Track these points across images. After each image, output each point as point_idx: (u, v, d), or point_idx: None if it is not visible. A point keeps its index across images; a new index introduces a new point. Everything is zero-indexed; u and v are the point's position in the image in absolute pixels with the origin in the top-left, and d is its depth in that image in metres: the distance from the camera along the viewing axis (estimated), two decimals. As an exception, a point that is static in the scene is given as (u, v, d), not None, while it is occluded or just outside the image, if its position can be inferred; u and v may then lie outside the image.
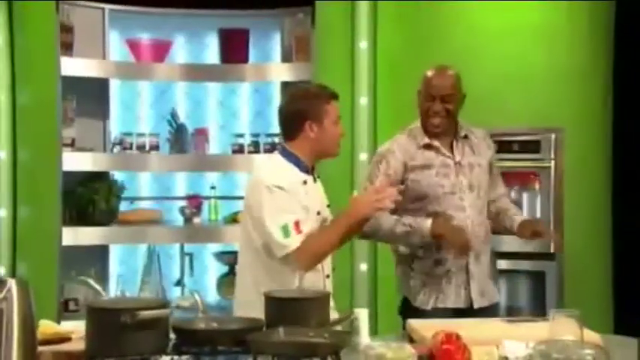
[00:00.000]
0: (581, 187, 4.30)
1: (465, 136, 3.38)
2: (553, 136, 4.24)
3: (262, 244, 2.97)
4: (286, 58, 4.94)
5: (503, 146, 4.16)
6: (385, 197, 2.86)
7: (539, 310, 4.14)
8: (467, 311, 3.28)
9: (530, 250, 4.26)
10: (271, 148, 4.79)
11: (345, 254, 4.52)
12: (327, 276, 3.10)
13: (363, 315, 2.68)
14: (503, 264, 4.31)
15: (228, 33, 4.93)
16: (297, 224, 2.92)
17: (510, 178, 4.13)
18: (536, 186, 4.33)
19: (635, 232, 4.38)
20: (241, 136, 4.92)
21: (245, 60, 4.94)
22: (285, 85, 4.99)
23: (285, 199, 2.93)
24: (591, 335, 2.52)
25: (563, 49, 4.29)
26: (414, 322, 2.87)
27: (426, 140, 3.35)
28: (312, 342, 2.34)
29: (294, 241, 2.90)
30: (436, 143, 3.35)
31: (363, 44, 4.52)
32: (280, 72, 4.81)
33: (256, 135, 4.90)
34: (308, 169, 3.07)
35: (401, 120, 4.51)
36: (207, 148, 4.93)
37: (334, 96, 3.07)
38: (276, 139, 4.84)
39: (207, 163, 4.88)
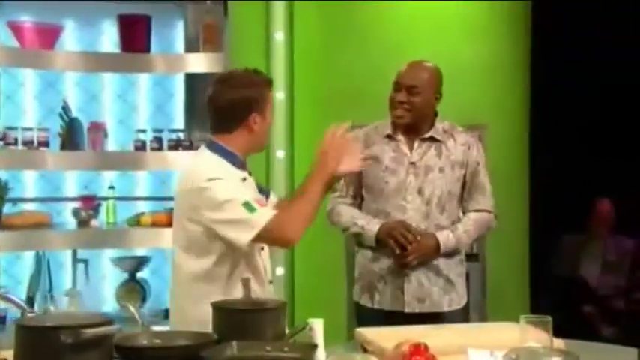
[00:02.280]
0: (501, 186, 4.24)
1: (433, 138, 3.18)
2: (477, 133, 4.14)
3: (211, 248, 2.66)
4: (190, 48, 4.61)
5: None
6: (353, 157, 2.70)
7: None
8: (397, 315, 3.13)
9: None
10: (176, 145, 4.47)
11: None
12: (270, 281, 2.83)
13: (317, 325, 2.45)
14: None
15: (128, 19, 4.55)
16: (257, 200, 2.64)
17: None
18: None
19: (550, 230, 4.42)
20: (143, 131, 4.55)
21: (146, 49, 4.57)
22: (189, 78, 4.67)
23: (232, 185, 2.63)
24: (556, 341, 2.41)
25: (486, 46, 4.25)
26: (365, 332, 2.66)
27: (389, 131, 3.20)
28: (279, 356, 2.09)
29: (266, 213, 2.58)
30: (399, 137, 3.19)
31: (278, 35, 4.28)
32: (190, 63, 4.47)
33: (159, 131, 4.55)
34: (244, 166, 2.79)
35: (319, 116, 4.35)
36: (106, 144, 4.53)
37: (271, 81, 2.82)
38: (181, 136, 4.52)
39: (106, 161, 4.47)
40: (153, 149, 4.46)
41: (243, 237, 2.57)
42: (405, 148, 3.18)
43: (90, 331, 1.91)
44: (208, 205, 2.60)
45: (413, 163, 3.16)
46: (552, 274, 5.47)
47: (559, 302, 5.10)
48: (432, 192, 3.14)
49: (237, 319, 2.27)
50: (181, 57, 4.54)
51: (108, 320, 2.00)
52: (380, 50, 4.21)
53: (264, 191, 2.91)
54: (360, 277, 3.29)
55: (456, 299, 3.26)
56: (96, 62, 4.50)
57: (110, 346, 1.99)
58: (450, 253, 3.20)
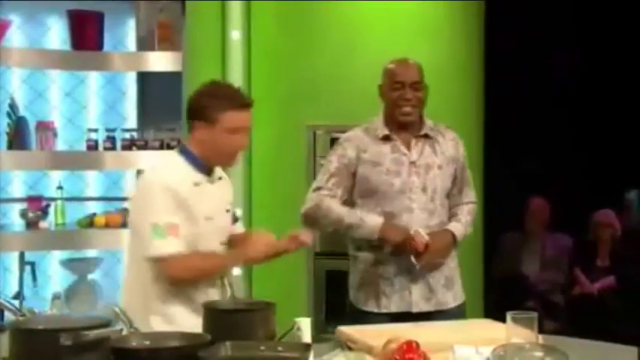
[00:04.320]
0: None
1: (426, 135, 3.15)
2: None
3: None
4: (143, 46, 4.54)
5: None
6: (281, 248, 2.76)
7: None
8: (406, 315, 3.06)
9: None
10: (130, 144, 4.39)
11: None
12: (227, 284, 2.79)
13: (305, 324, 2.45)
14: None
15: (79, 16, 4.44)
16: (173, 227, 2.61)
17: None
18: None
19: (503, 230, 4.53)
20: (94, 130, 4.45)
21: (98, 47, 4.48)
22: (142, 76, 4.59)
23: (162, 199, 2.62)
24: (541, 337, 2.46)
25: (442, 46, 4.30)
26: (347, 330, 2.67)
27: (385, 132, 3.12)
28: (278, 356, 2.09)
29: (168, 245, 2.59)
30: (394, 137, 3.12)
31: (235, 34, 4.24)
32: (147, 61, 4.39)
33: (112, 130, 4.45)
34: (206, 170, 2.75)
35: (277, 115, 4.34)
36: (55, 143, 4.41)
37: (243, 105, 2.72)
38: (135, 135, 4.44)
39: (58, 161, 4.36)
40: (106, 149, 4.36)
41: (140, 252, 2.63)
42: (403, 148, 3.12)
43: (91, 334, 1.86)
44: (132, 210, 2.77)
45: (413, 162, 3.11)
46: (495, 273, 5.60)
47: (503, 300, 5.21)
48: (434, 189, 3.11)
49: (229, 320, 2.25)
50: (138, 55, 4.47)
51: (106, 322, 1.96)
52: (337, 50, 4.22)
53: (231, 214, 2.89)
54: (362, 284, 3.17)
55: (458, 294, 3.24)
56: (48, 59, 4.38)
57: (108, 349, 1.95)
58: None
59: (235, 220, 2.97)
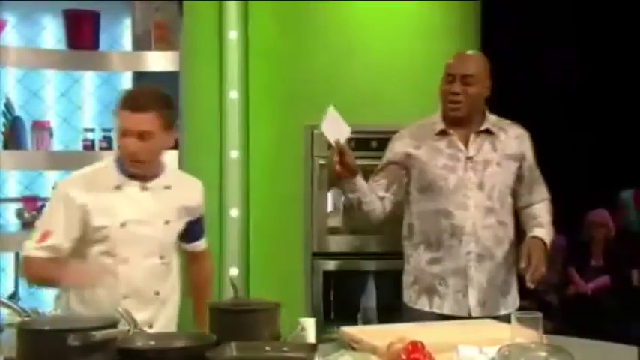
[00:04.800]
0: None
1: (488, 131, 3.06)
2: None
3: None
4: (139, 46, 4.52)
5: (383, 145, 4.07)
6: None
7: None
8: (457, 319, 2.95)
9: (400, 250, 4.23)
10: (127, 145, 4.37)
11: (214, 258, 4.23)
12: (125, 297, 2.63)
13: (309, 324, 2.45)
14: (374, 265, 4.27)
15: (75, 15, 4.42)
16: (45, 234, 2.62)
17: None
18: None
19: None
20: (91, 130, 4.43)
21: (94, 46, 4.46)
22: (138, 76, 4.58)
23: (54, 206, 2.69)
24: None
25: (439, 46, 4.29)
26: (351, 330, 2.66)
27: (442, 127, 3.06)
28: (284, 357, 2.09)
29: (31, 248, 2.63)
30: (451, 132, 3.05)
31: (232, 34, 4.23)
32: (144, 61, 4.38)
33: (108, 130, 4.43)
34: (129, 173, 2.70)
35: (275, 115, 4.33)
36: (51, 144, 4.39)
37: (131, 107, 2.63)
38: (132, 135, 4.42)
39: (54, 161, 4.34)
40: (102, 149, 4.35)
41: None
42: (459, 144, 3.04)
43: (99, 334, 1.85)
44: None
45: (470, 158, 3.02)
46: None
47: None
48: (492, 186, 3.02)
49: (234, 320, 2.25)
50: (136, 55, 4.45)
51: (113, 322, 1.95)
52: (335, 50, 4.20)
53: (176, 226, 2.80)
54: (415, 281, 3.11)
55: (510, 302, 3.11)
56: (44, 59, 4.36)
57: (114, 349, 1.94)
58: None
59: (195, 236, 2.91)
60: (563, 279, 5.88)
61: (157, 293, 2.72)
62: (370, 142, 4.20)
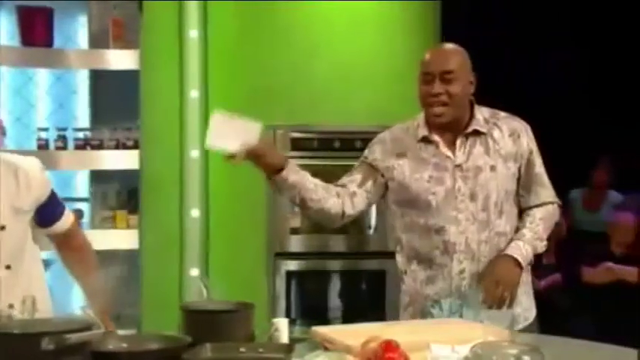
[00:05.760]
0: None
1: (476, 131, 2.64)
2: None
3: None
4: (95, 43, 4.44)
5: (346, 144, 4.09)
6: None
7: (379, 311, 4.11)
8: None
9: (367, 250, 4.24)
10: (84, 144, 4.30)
11: (174, 258, 4.19)
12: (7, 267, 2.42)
13: (282, 325, 2.42)
14: (337, 265, 4.27)
15: (28, 12, 4.31)
16: None
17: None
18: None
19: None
20: (45, 130, 4.32)
21: (48, 43, 4.35)
22: (94, 74, 4.49)
23: None
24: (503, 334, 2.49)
25: (401, 46, 4.32)
26: (323, 330, 2.64)
27: (425, 132, 2.65)
28: (260, 357, 2.07)
29: None
30: (435, 137, 2.65)
31: (193, 33, 4.18)
32: (102, 59, 4.29)
33: (63, 129, 4.34)
34: None
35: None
36: (3, 142, 4.26)
37: None
38: (89, 134, 4.34)
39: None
40: (58, 148, 4.25)
41: None
42: (446, 150, 2.64)
43: (73, 337, 1.80)
44: None
45: (459, 166, 2.62)
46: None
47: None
48: (486, 196, 2.61)
49: (208, 322, 2.21)
50: (94, 53, 4.36)
51: (86, 325, 1.90)
52: (297, 50, 4.19)
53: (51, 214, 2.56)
54: (410, 303, 2.75)
55: (521, 314, 2.71)
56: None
57: (88, 352, 1.89)
58: None
59: (51, 219, 2.57)
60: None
61: (11, 306, 2.27)
62: (333, 142, 4.21)
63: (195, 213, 4.16)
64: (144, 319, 4.22)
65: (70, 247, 2.65)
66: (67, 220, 2.61)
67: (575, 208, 6.39)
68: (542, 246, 2.68)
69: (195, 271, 4.26)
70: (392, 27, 4.33)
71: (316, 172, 4.29)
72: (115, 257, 4.17)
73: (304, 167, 4.38)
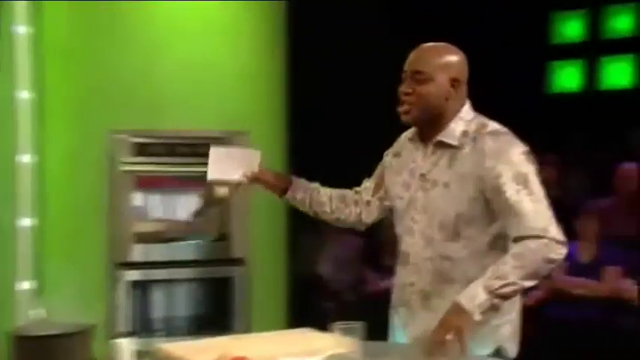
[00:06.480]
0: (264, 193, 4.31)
1: (441, 143, 2.47)
2: (239, 139, 4.11)
3: None
4: None
5: (193, 150, 3.98)
6: None
7: (226, 318, 4.05)
8: None
9: (213, 257, 4.16)
10: None
11: (4, 271, 3.91)
12: None
13: (125, 346, 2.30)
14: (183, 273, 4.15)
15: None
16: None
17: (196, 185, 4.00)
18: (221, 191, 4.16)
19: (303, 231, 4.55)
20: None
21: None
22: None
23: None
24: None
25: (246, 49, 4.25)
26: (168, 347, 2.54)
27: (410, 135, 2.60)
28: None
29: None
30: (417, 142, 2.55)
31: (21, 30, 3.91)
32: None
33: None
34: None
35: (74, 118, 4.07)
36: None
37: None
38: None
39: None
40: None
41: None
42: (418, 157, 2.54)
43: None
44: None
45: (423, 175, 2.50)
46: (296, 273, 5.67)
47: (305, 300, 5.29)
48: (434, 212, 2.46)
49: (42, 347, 2.05)
50: None
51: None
52: (138, 50, 4.02)
53: None
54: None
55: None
56: None
57: None
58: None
59: None
60: (360, 278, 6.06)
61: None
62: (179, 148, 4.08)
63: (26, 222, 3.90)
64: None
65: None
66: None
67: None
68: (502, 285, 2.26)
69: (25, 285, 4.00)
70: (237, 28, 4.27)
71: (163, 179, 4.17)
72: None
73: (148, 174, 4.24)
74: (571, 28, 6.99)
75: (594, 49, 6.87)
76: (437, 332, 2.25)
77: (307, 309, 4.89)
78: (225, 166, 2.68)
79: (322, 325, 2.59)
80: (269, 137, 4.31)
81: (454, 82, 2.46)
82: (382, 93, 5.46)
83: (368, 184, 2.75)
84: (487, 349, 2.44)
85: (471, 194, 2.39)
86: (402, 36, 5.77)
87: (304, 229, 5.72)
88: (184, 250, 4.11)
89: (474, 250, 2.41)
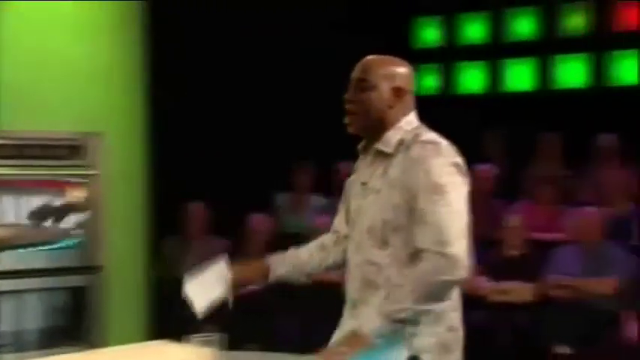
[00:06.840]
0: (120, 194, 4.16)
1: (379, 152, 2.47)
2: (93, 141, 3.97)
3: None
4: None
5: (45, 152, 3.78)
6: None
7: (81, 330, 3.88)
8: None
9: (67, 265, 3.97)
10: None
11: None
12: None
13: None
14: (33, 282, 3.94)
15: None
16: None
17: (41, 186, 3.82)
18: (74, 195, 4.00)
19: (165, 235, 4.43)
20: None
21: None
22: None
23: None
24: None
25: (100, 48, 4.11)
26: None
27: (363, 143, 2.56)
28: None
29: None
30: (362, 152, 2.57)
31: None
32: None
33: None
34: None
35: None
36: None
37: None
38: None
39: None
40: None
41: None
42: (363, 165, 2.55)
43: None
44: None
45: (365, 184, 2.50)
46: (157, 278, 5.52)
47: (166, 305, 5.15)
48: (364, 218, 2.48)
49: None
50: None
51: None
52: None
53: None
54: None
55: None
56: None
57: None
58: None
59: None
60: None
61: None
62: (23, 150, 3.87)
63: None
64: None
65: None
66: None
67: (281, 212, 6.54)
68: (396, 310, 2.26)
69: None
70: (91, 27, 4.13)
71: (12, 182, 3.91)
72: None
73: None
74: (429, 34, 7.17)
75: (451, 55, 7.08)
76: (328, 353, 2.26)
77: (170, 317, 4.74)
78: (204, 292, 2.57)
79: (186, 332, 2.53)
80: (126, 138, 4.18)
81: (398, 92, 2.46)
82: (243, 92, 5.43)
83: (338, 217, 2.68)
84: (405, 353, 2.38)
85: (396, 201, 2.40)
86: (260, 37, 5.77)
87: (168, 233, 5.59)
88: (34, 257, 3.90)
89: (397, 257, 2.39)
